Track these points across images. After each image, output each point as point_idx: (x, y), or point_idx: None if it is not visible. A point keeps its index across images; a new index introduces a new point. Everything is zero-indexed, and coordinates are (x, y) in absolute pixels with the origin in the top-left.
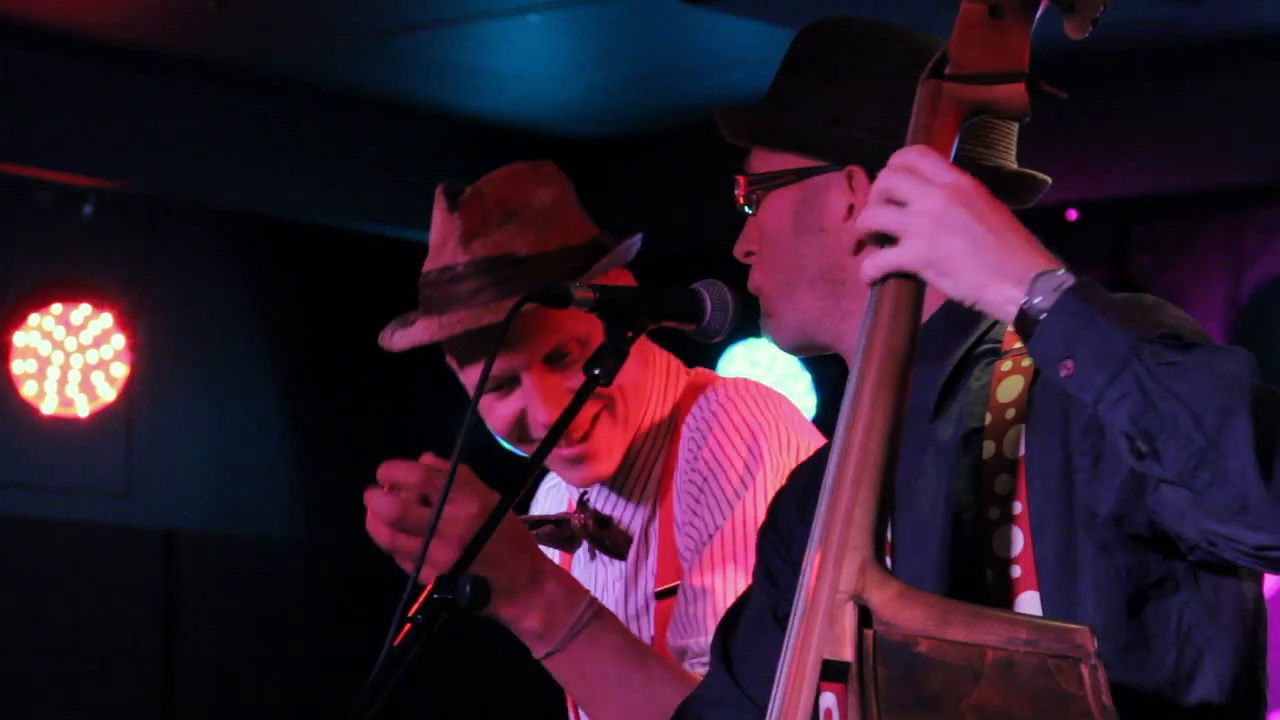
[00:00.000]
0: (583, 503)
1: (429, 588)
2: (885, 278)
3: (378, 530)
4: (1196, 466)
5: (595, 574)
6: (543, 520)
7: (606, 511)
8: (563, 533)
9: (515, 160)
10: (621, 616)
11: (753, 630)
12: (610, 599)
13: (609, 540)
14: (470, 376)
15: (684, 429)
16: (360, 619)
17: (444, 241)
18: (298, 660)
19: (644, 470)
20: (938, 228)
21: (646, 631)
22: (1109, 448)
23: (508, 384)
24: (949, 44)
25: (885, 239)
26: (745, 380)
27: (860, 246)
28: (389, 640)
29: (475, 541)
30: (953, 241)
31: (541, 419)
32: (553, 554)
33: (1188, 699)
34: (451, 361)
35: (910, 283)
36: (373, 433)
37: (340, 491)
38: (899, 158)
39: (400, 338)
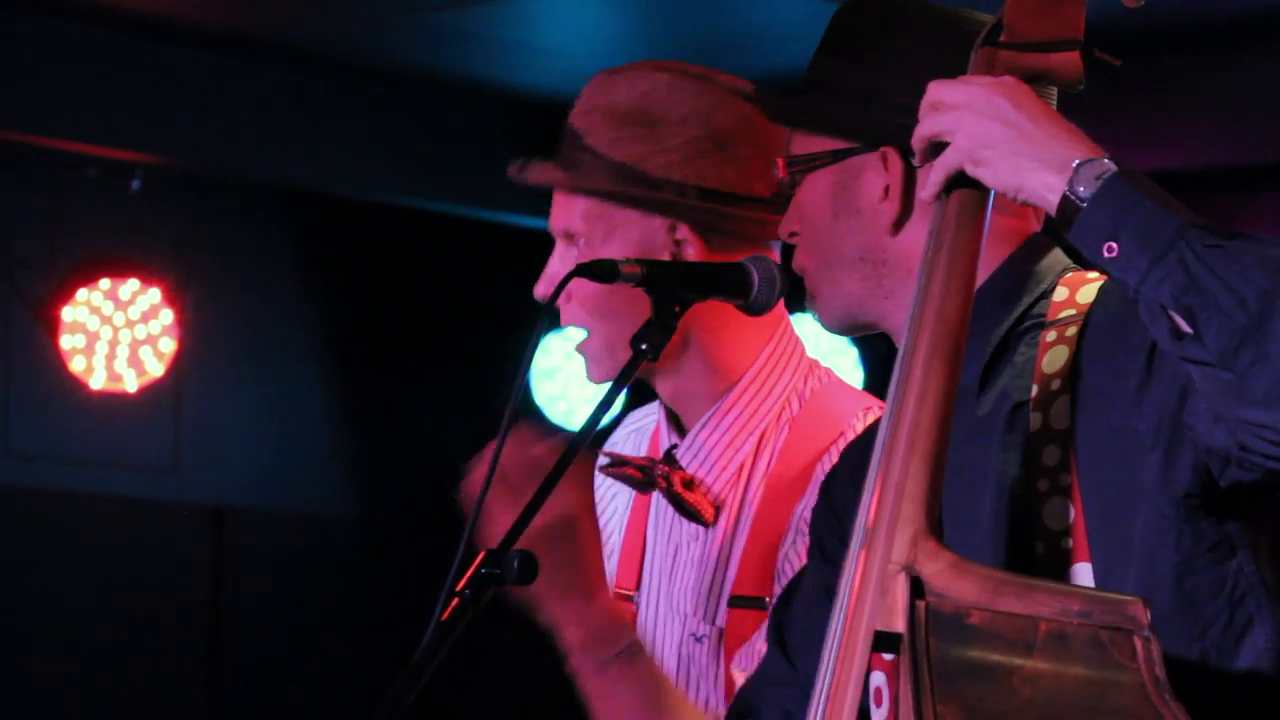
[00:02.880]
0: (670, 456)
1: (476, 563)
2: (946, 192)
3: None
4: (1239, 346)
5: (671, 526)
6: (625, 461)
7: (694, 469)
8: (642, 479)
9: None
10: (693, 583)
11: (807, 610)
12: (684, 558)
13: (690, 504)
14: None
15: (834, 451)
16: (407, 594)
17: None
18: (344, 634)
19: (747, 443)
20: (978, 116)
21: (711, 619)
22: (1153, 401)
23: None
24: (1004, 11)
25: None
26: None
27: (899, 225)
28: (436, 615)
29: (530, 507)
30: (991, 128)
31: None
32: (627, 493)
33: (1236, 664)
34: None
35: (964, 251)
36: (419, 408)
37: (387, 467)
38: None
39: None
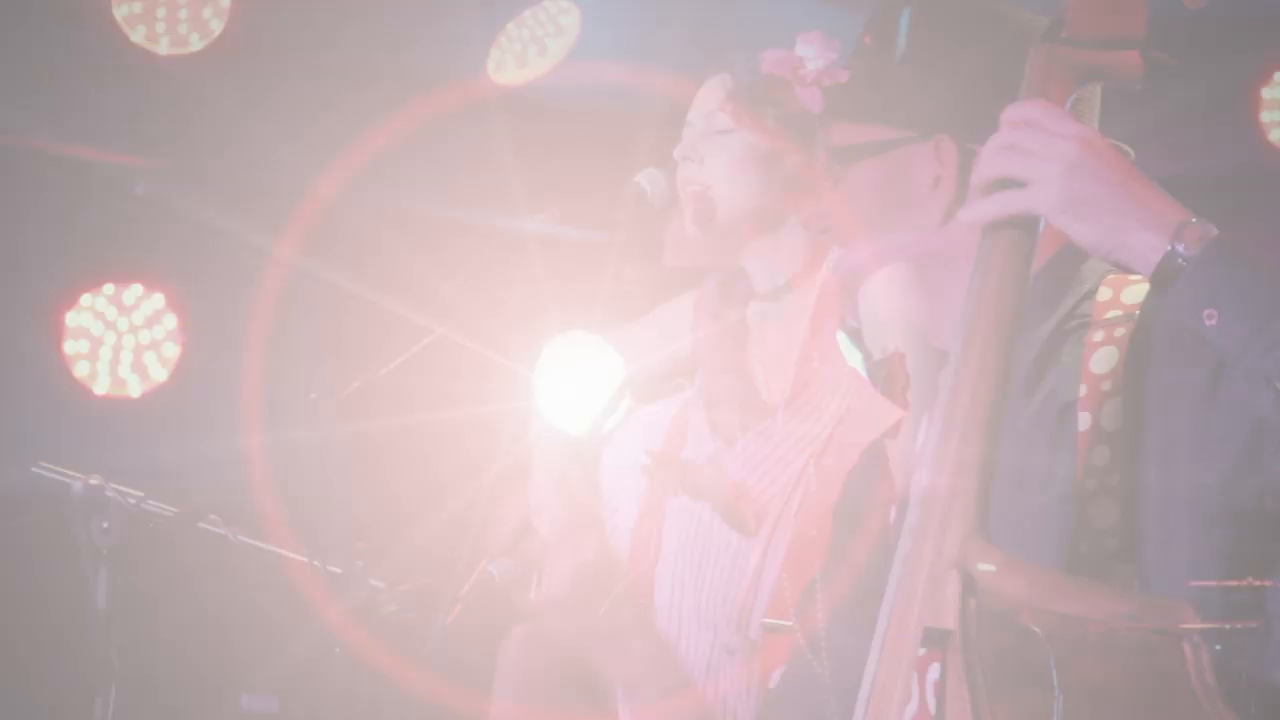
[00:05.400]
0: (716, 462)
1: (479, 570)
2: (997, 233)
3: None
4: None
5: (696, 530)
6: (669, 462)
7: (743, 477)
8: (678, 477)
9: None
10: (725, 593)
11: None
12: (713, 566)
13: (738, 512)
14: None
15: None
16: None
17: None
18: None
19: (798, 459)
20: (1072, 172)
21: (744, 632)
22: (1221, 417)
23: None
24: (1066, 8)
25: (1001, 188)
26: None
27: (946, 216)
28: (440, 620)
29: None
30: (1087, 186)
31: None
32: (633, 495)
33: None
34: None
35: (1020, 248)
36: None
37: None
38: (1016, 111)
39: None
